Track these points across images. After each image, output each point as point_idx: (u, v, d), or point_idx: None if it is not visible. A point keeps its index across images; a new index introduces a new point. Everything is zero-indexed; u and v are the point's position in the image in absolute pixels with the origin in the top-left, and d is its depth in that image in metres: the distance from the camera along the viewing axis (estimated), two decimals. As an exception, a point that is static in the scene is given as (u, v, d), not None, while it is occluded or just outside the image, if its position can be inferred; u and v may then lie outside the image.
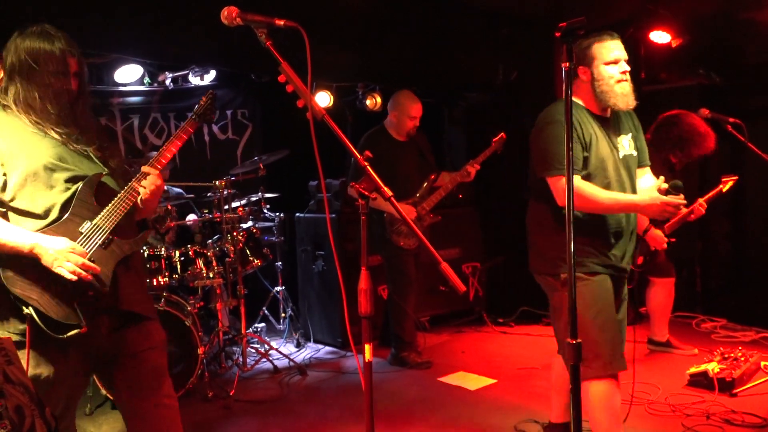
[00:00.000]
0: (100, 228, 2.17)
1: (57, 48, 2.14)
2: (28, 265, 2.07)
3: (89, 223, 2.16)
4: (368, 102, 5.97)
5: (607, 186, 2.75)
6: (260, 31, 1.87)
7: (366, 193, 1.73)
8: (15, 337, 2.10)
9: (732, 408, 3.57)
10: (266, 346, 4.86)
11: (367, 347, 1.74)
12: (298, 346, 5.29)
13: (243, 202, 5.17)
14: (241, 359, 4.64)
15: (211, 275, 4.44)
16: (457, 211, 5.88)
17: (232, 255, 4.59)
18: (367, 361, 1.73)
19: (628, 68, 2.77)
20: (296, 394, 4.25)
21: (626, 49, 2.83)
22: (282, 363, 4.76)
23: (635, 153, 2.91)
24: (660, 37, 5.21)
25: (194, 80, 5.65)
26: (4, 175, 2.11)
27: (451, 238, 5.77)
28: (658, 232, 3.82)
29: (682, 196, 2.66)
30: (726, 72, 5.44)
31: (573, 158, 2.33)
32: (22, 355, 2.09)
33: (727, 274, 5.98)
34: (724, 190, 4.12)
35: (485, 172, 4.84)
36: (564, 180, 2.58)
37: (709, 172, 5.64)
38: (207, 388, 4.14)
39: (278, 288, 5.41)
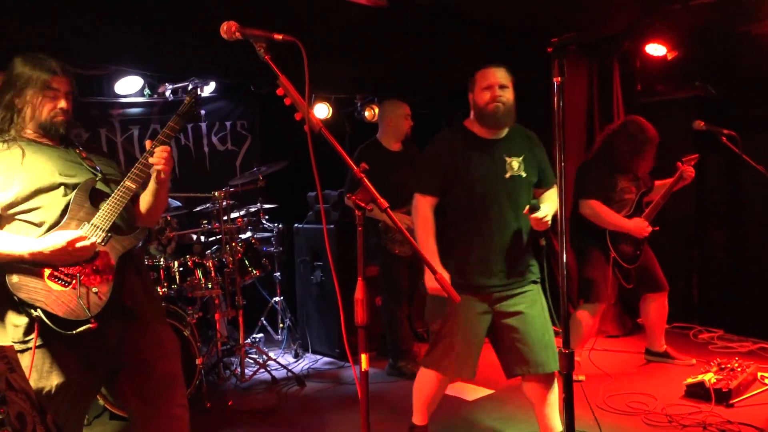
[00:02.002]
0: (98, 227, 2.25)
1: (45, 72, 2.29)
2: (29, 270, 2.13)
3: (87, 225, 2.24)
4: (367, 113, 6.01)
5: (482, 205, 2.98)
6: (259, 45, 1.90)
7: (362, 204, 1.76)
8: (18, 346, 2.14)
9: (729, 418, 3.58)
10: (264, 356, 4.87)
11: (364, 357, 1.76)
12: (297, 356, 5.29)
13: (242, 212, 5.19)
14: (239, 370, 4.64)
15: (210, 286, 4.45)
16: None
17: (230, 265, 4.61)
18: (363, 370, 1.75)
19: (502, 93, 2.98)
20: (294, 405, 4.25)
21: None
22: (280, 373, 4.76)
23: (524, 175, 3.04)
24: (656, 49, 5.25)
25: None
26: (2, 189, 2.18)
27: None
28: (639, 220, 4.19)
29: (540, 212, 2.82)
30: (722, 84, 5.48)
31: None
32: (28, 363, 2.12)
33: (724, 285, 5.98)
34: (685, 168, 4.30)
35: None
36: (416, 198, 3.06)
37: (706, 184, 5.68)
38: (205, 398, 4.14)
39: (277, 298, 5.42)
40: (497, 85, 2.97)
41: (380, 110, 5.04)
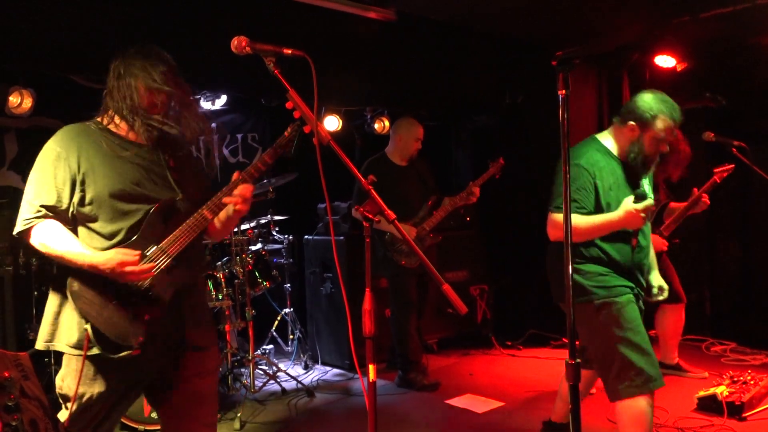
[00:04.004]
0: (165, 252, 2.20)
1: (154, 65, 2.23)
2: (89, 280, 2.13)
3: (155, 247, 2.20)
4: (376, 125, 6.04)
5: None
6: (269, 60, 1.93)
7: (370, 216, 1.78)
8: (71, 351, 2.18)
9: (741, 432, 3.56)
10: (274, 368, 4.88)
11: (371, 367, 1.77)
12: (306, 368, 5.30)
13: (252, 224, 5.22)
14: (249, 381, 4.65)
15: (220, 297, 4.48)
16: (464, 234, 5.90)
17: (241, 277, 4.63)
18: (371, 381, 1.76)
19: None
20: (304, 417, 4.25)
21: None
22: (290, 385, 4.77)
23: (652, 193, 3.01)
24: (665, 61, 5.26)
25: (205, 104, 5.73)
26: (83, 191, 2.19)
27: (459, 260, 5.79)
28: (656, 237, 4.01)
29: (649, 200, 2.76)
30: (733, 96, 5.47)
31: (572, 196, 2.59)
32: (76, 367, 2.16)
33: (736, 297, 5.95)
34: (719, 181, 4.20)
35: (492, 194, 4.87)
36: (554, 216, 2.83)
37: (717, 196, 5.65)
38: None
39: (287, 310, 5.43)
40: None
41: (394, 125, 5.09)
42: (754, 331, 5.38)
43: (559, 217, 2.82)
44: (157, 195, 2.25)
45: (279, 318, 5.49)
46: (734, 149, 4.26)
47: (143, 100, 2.24)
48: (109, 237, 2.19)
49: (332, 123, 5.71)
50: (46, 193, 2.18)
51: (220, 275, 4.51)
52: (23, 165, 4.94)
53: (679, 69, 5.28)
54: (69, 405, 2.18)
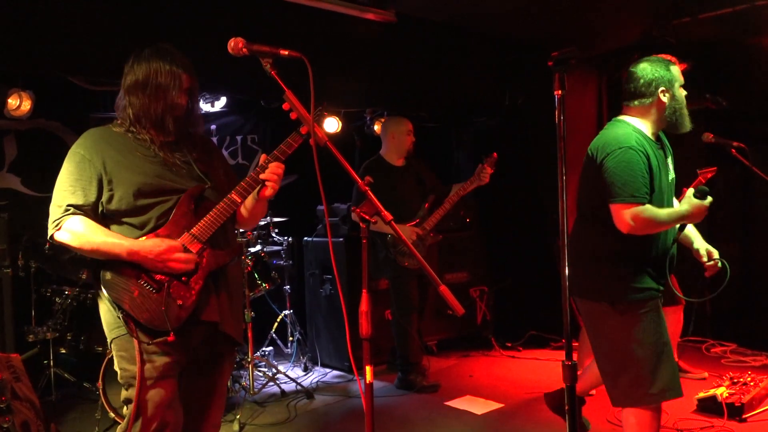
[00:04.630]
0: (196, 237, 2.25)
1: (174, 64, 2.27)
2: (124, 270, 2.17)
3: (186, 233, 2.25)
4: (376, 127, 6.04)
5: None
6: (265, 61, 1.93)
7: (367, 217, 1.78)
8: (115, 332, 2.23)
9: (741, 433, 3.55)
10: (274, 369, 4.87)
11: (368, 368, 1.77)
12: (306, 369, 5.30)
13: (252, 226, 5.22)
14: (248, 383, 4.65)
15: (220, 299, 4.47)
16: (464, 235, 5.90)
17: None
18: (368, 382, 1.76)
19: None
20: (303, 418, 4.25)
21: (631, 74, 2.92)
22: (289, 387, 4.76)
23: (674, 174, 2.96)
24: (665, 62, 5.25)
25: (205, 107, 5.75)
26: (111, 190, 2.22)
27: (459, 262, 5.78)
28: None
29: (709, 198, 2.72)
30: (733, 97, 5.46)
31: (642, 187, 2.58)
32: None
33: (737, 299, 5.94)
34: (704, 182, 4.18)
35: (493, 195, 4.86)
36: (632, 210, 2.60)
37: (717, 197, 5.63)
38: (214, 411, 4.15)
39: (286, 312, 5.43)
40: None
41: (383, 127, 5.14)
42: (754, 332, 5.37)
43: (638, 210, 2.61)
44: (185, 186, 2.30)
45: (278, 320, 5.49)
46: (733, 150, 4.24)
47: (169, 101, 2.26)
48: (140, 227, 2.24)
49: (332, 125, 5.71)
50: (72, 194, 2.21)
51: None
52: (22, 167, 4.95)
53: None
54: (134, 388, 2.19)
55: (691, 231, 3.18)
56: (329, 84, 4.58)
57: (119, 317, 2.16)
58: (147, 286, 2.17)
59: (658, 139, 2.89)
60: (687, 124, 2.88)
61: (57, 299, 4.38)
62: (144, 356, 2.18)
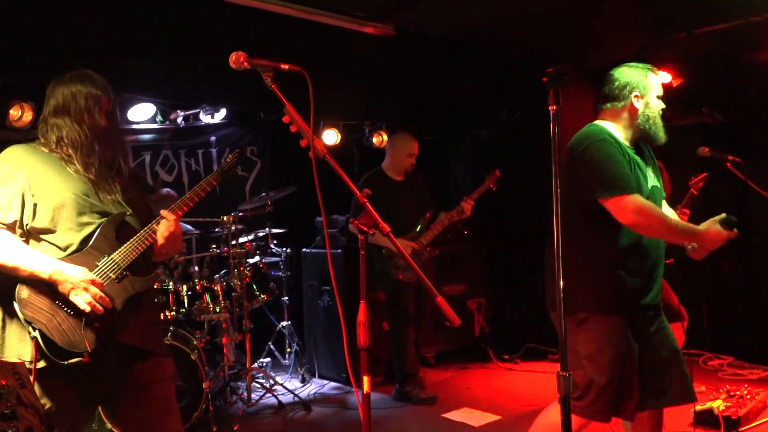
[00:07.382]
0: (116, 263, 2.27)
1: (94, 87, 2.33)
2: (41, 289, 2.16)
3: (106, 258, 2.26)
4: (375, 139, 6.07)
5: None
6: (266, 75, 1.96)
7: (365, 229, 1.80)
8: (28, 365, 2.16)
9: (737, 447, 3.55)
10: (271, 381, 4.87)
11: (365, 379, 1.78)
12: (303, 381, 5.30)
13: (250, 237, 5.23)
14: (245, 394, 4.65)
15: (218, 310, 4.49)
16: (462, 248, 5.92)
17: (238, 290, 4.64)
18: (365, 392, 1.77)
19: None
20: (300, 430, 4.25)
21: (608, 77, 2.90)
22: (287, 398, 4.76)
23: (659, 185, 2.89)
24: (661, 77, 5.29)
25: (205, 118, 5.77)
26: (35, 204, 2.23)
27: (457, 274, 5.80)
28: None
29: (735, 231, 2.65)
30: (729, 111, 5.50)
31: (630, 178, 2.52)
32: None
33: (734, 312, 5.95)
34: (696, 192, 4.20)
35: (491, 208, 4.89)
36: (629, 198, 2.54)
37: (713, 211, 5.66)
38: (211, 422, 4.15)
39: (284, 323, 5.44)
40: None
41: (390, 140, 5.17)
42: (752, 346, 5.37)
43: (646, 205, 2.55)
44: (109, 209, 2.32)
45: (276, 331, 5.49)
46: (729, 164, 4.28)
47: (89, 123, 2.31)
48: (64, 248, 2.25)
49: (331, 137, 5.75)
50: None
51: (217, 288, 4.52)
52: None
53: (674, 85, 5.31)
54: None
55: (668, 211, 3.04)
56: (329, 96, 4.61)
57: (34, 336, 2.12)
58: (65, 307, 2.16)
59: (637, 147, 2.83)
60: (662, 135, 2.81)
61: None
62: (42, 393, 2.16)
